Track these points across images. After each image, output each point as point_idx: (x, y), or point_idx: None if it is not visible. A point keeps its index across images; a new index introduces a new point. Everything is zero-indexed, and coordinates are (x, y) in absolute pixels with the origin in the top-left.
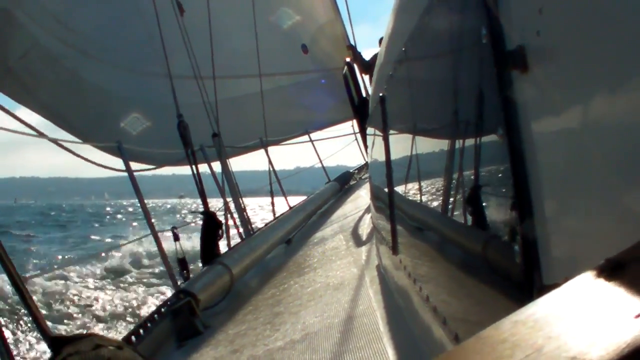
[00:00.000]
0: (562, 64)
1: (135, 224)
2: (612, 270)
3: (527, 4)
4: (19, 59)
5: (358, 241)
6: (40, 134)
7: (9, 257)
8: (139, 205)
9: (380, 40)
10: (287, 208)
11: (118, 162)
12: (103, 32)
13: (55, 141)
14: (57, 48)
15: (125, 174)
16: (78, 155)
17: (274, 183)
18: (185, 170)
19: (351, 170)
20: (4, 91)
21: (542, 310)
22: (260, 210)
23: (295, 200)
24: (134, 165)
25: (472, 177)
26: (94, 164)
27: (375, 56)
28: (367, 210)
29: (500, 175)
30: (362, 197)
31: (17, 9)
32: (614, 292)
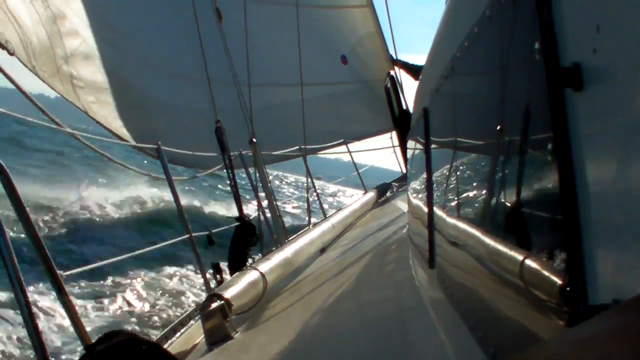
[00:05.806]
0: (619, 83)
1: None
2: None
3: (583, 20)
4: (68, 58)
5: (393, 253)
6: (72, 134)
7: (48, 254)
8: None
9: None
10: (323, 217)
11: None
12: (143, 35)
13: (91, 146)
14: (101, 48)
15: None
16: (114, 161)
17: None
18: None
19: (389, 182)
20: (55, 89)
21: (591, 331)
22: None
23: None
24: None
25: (515, 194)
26: (130, 169)
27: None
28: (404, 223)
29: (545, 192)
30: (399, 210)
31: (66, 8)
32: None
